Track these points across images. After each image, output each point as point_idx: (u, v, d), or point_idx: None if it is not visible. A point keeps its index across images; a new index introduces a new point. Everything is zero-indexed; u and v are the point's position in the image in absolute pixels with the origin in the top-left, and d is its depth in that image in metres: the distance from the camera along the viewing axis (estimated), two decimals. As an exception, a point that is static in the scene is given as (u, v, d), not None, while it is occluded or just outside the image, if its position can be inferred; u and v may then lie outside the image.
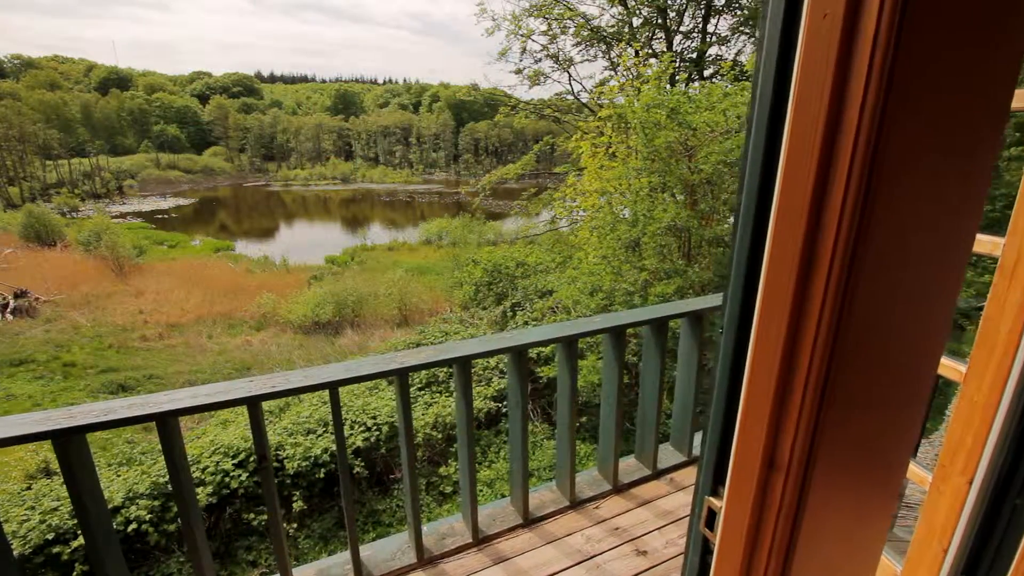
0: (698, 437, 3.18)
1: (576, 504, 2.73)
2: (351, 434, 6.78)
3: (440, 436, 7.49)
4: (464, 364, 2.27)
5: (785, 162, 0.57)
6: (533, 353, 8.39)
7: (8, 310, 17.26)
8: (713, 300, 2.97)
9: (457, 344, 2.31)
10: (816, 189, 0.54)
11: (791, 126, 0.55)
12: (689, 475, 2.96)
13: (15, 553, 4.85)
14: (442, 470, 7.23)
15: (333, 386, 2.01)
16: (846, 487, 0.67)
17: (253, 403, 1.89)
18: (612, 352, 2.67)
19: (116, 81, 79.17)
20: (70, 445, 1.67)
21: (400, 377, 2.14)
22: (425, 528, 2.52)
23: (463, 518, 2.57)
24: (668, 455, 3.10)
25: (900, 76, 0.50)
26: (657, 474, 2.96)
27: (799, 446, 0.61)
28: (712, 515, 0.77)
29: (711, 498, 0.77)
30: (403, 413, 2.19)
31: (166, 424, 1.79)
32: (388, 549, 2.42)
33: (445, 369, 8.01)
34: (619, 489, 2.85)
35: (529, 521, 2.61)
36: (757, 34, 0.61)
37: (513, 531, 2.56)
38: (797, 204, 0.56)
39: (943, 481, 1.55)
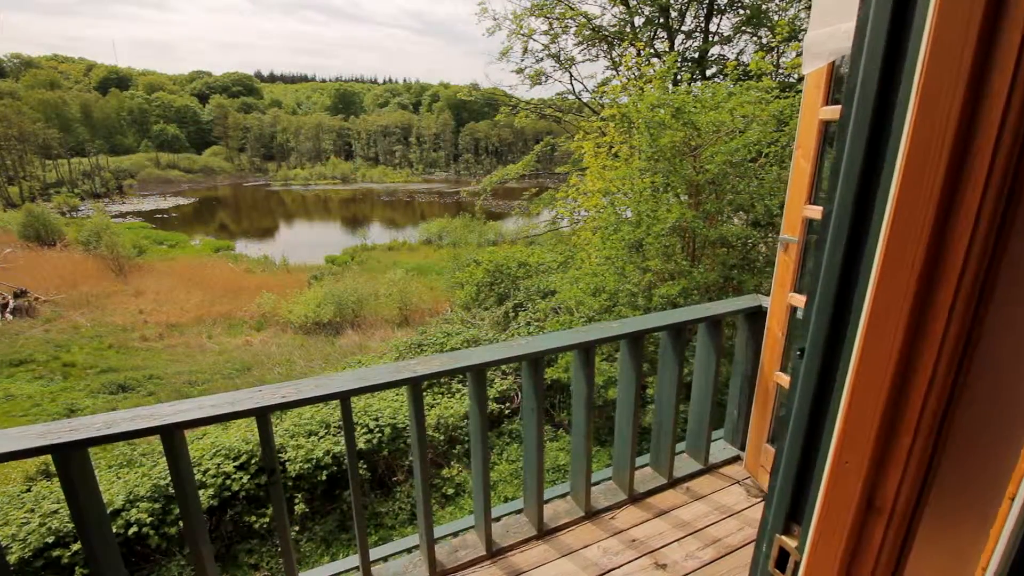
0: (715, 446, 3.11)
1: (591, 515, 2.65)
2: (353, 436, 6.72)
3: (442, 438, 7.42)
4: (479, 373, 2.19)
5: (904, 167, 0.49)
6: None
7: (8, 310, 17.17)
8: (730, 304, 2.89)
9: (471, 351, 2.22)
10: (943, 200, 0.46)
11: (913, 125, 0.47)
12: (706, 484, 2.89)
13: (15, 556, 4.78)
14: (444, 472, 7.16)
15: (344, 396, 1.93)
16: (952, 534, 0.60)
17: (262, 414, 1.82)
18: (629, 358, 2.59)
19: (116, 81, 79.17)
20: (71, 459, 1.59)
21: (413, 386, 2.06)
22: (438, 531, 2.45)
23: (476, 530, 2.49)
24: (684, 463, 3.02)
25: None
26: (673, 483, 2.88)
27: (906, 487, 0.53)
28: (784, 556, 0.69)
29: (784, 537, 0.69)
30: (416, 424, 2.11)
31: (171, 436, 1.72)
32: (399, 562, 2.35)
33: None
34: (635, 499, 2.77)
35: (544, 533, 2.53)
36: (859, 14, 0.53)
37: (527, 543, 2.48)
38: (919, 217, 0.48)
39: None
